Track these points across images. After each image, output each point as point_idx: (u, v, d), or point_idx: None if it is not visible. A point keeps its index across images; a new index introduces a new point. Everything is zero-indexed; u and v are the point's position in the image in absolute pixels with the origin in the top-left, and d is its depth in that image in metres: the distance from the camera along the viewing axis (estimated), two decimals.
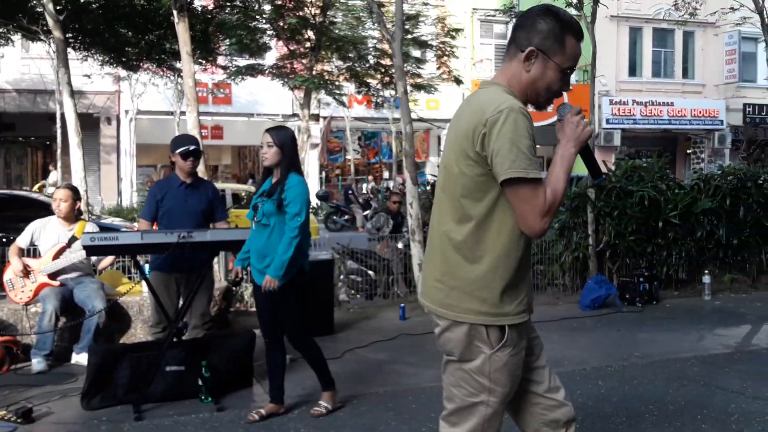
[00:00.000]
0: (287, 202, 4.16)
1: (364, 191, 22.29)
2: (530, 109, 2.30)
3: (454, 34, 16.69)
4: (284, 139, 4.24)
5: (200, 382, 4.65)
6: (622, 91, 25.00)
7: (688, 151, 26.57)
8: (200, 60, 11.48)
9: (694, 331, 6.80)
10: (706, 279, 8.48)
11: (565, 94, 2.38)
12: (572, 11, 9.11)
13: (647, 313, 7.70)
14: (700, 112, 24.97)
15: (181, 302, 4.95)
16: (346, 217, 19.27)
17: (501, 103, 2.15)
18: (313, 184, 22.90)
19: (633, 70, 25.53)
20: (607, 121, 24.36)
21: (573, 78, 18.51)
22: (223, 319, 6.64)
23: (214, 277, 5.57)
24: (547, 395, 2.41)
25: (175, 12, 7.53)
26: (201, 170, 7.19)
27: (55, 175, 18.56)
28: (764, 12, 10.40)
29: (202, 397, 4.64)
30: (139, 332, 5.98)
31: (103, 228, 6.62)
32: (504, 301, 2.23)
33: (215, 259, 6.84)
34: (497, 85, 2.31)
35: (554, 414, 2.40)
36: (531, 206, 2.13)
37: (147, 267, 5.21)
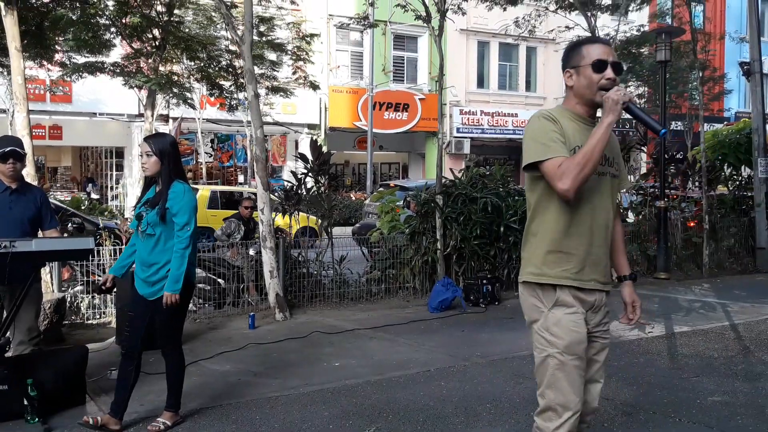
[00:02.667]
0: (174, 213, 4.06)
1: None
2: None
3: (309, 39, 16.66)
4: (164, 147, 4.14)
5: (26, 402, 4.31)
6: (472, 102, 26.11)
7: None
8: (36, 56, 10.70)
9: None
10: None
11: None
12: (420, 24, 9.39)
13: (490, 314, 8.05)
14: None
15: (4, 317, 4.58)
16: None
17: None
18: None
19: (481, 82, 26.75)
20: (458, 130, 25.35)
21: (426, 87, 19.16)
22: (55, 333, 6.21)
23: (42, 289, 5.18)
24: (589, 385, 2.85)
25: (2, 4, 6.97)
26: (32, 174, 6.73)
27: None
28: (596, 31, 11.22)
29: (28, 418, 4.30)
30: None
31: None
32: (547, 264, 2.73)
33: (45, 270, 6.41)
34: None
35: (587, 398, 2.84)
36: (551, 177, 2.64)
37: None
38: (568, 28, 12.49)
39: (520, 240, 9.31)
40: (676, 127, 25.03)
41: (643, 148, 15.07)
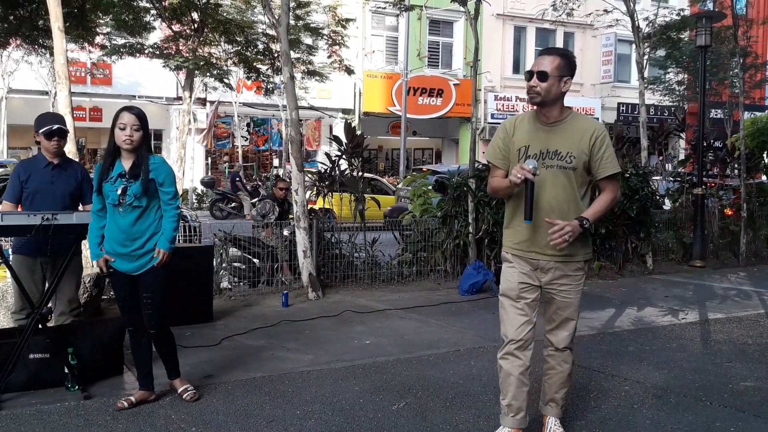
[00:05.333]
0: (160, 182, 4.11)
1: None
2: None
3: (344, 23, 16.70)
4: (146, 120, 4.18)
5: (66, 370, 4.46)
6: (507, 88, 25.93)
7: None
8: (77, 38, 10.90)
9: None
10: None
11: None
12: (456, 8, 9.35)
13: None
14: (577, 110, 26.11)
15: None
16: (233, 204, 18.95)
17: None
18: (198, 171, 22.32)
19: (517, 67, 26.52)
20: (492, 116, 25.21)
21: (461, 73, 19.16)
22: (94, 306, 6.39)
23: (82, 262, 5.33)
24: (555, 330, 3.65)
25: None
26: (73, 152, 6.87)
27: None
28: (635, 15, 11.03)
29: (69, 386, 4.45)
30: (2, 320, 5.65)
31: None
32: (505, 237, 3.59)
33: (85, 245, 6.56)
34: None
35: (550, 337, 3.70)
36: None
37: (10, 250, 4.94)
38: (606, 12, 12.31)
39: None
40: (716, 115, 24.55)
41: (681, 134, 14.85)
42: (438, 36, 25.88)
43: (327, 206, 9.52)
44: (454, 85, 25.09)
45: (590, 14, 12.82)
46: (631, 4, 10.96)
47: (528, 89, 3.34)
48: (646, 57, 11.82)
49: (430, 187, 10.41)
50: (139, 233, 4.11)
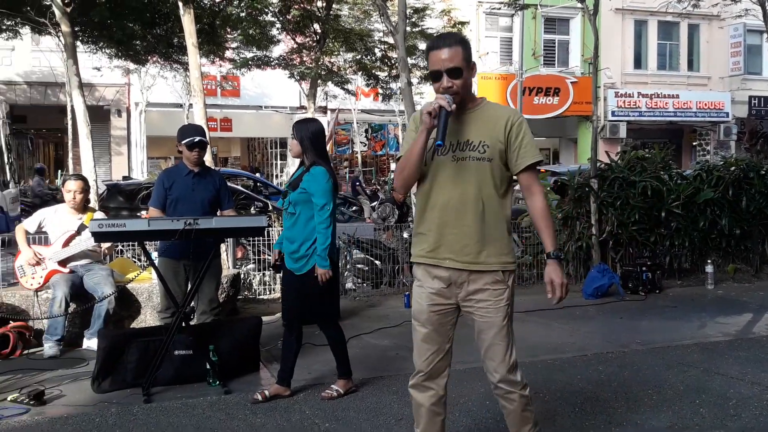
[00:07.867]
0: (311, 194, 4.33)
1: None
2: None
3: (460, 27, 16.72)
4: (304, 132, 4.43)
5: (208, 366, 4.74)
6: (628, 84, 25.00)
7: (694, 143, 26.57)
8: (208, 53, 11.56)
9: (696, 319, 6.88)
10: (709, 268, 8.53)
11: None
12: (572, 5, 9.16)
13: (650, 302, 7.77)
14: (705, 104, 24.93)
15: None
16: (354, 208, 19.37)
17: None
18: None
19: (638, 62, 25.53)
20: (613, 114, 24.39)
21: (578, 70, 18.75)
22: (231, 305, 6.75)
23: (221, 264, 5.66)
24: (485, 359, 3.13)
25: (180, 4, 7.61)
26: (209, 160, 7.29)
27: None
28: (766, 4, 10.39)
29: (210, 381, 4.73)
30: (149, 318, 6.09)
31: None
32: (413, 245, 3.08)
33: (223, 247, 6.95)
34: None
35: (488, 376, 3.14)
36: None
37: (155, 254, 5.32)
38: (734, 1, 11.67)
39: (683, 226, 8.90)
40: None
41: None
42: (554, 34, 25.33)
43: None
44: (571, 83, 24.47)
45: (717, 4, 12.18)
46: None
47: (443, 92, 2.89)
48: None
49: (548, 188, 10.21)
50: (293, 238, 4.41)
